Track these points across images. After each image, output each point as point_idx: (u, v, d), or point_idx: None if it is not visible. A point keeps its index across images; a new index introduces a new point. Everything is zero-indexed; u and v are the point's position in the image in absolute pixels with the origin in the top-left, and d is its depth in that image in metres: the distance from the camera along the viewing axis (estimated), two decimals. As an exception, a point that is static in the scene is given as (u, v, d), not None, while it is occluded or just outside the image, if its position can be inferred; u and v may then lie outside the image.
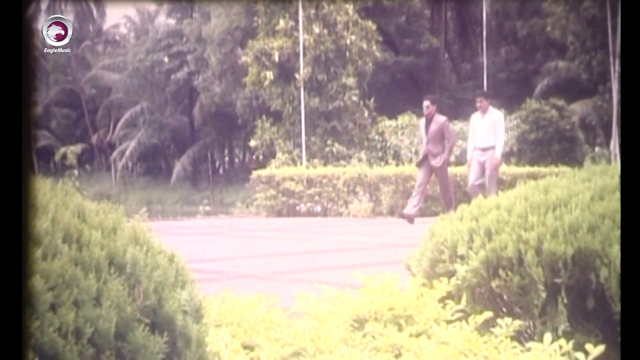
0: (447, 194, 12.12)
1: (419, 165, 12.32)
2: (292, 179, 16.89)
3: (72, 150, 14.34)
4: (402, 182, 15.89)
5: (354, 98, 24.51)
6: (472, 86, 42.87)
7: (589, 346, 2.49)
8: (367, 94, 25.99)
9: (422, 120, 12.15)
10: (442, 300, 3.00)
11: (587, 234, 2.75)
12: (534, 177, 12.62)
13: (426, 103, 11.90)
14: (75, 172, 13.75)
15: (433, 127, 11.69)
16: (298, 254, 7.99)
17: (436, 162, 11.71)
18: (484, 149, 11.42)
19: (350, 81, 24.49)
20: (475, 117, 11.80)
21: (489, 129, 11.40)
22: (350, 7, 25.39)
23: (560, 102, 23.46)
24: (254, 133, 27.33)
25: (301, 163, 21.90)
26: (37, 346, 1.64)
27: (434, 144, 11.71)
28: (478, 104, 11.63)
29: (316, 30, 24.15)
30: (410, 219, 11.72)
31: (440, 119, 11.88)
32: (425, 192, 12.59)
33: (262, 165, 22.10)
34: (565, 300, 2.72)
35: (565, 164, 18.79)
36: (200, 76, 42.26)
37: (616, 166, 3.33)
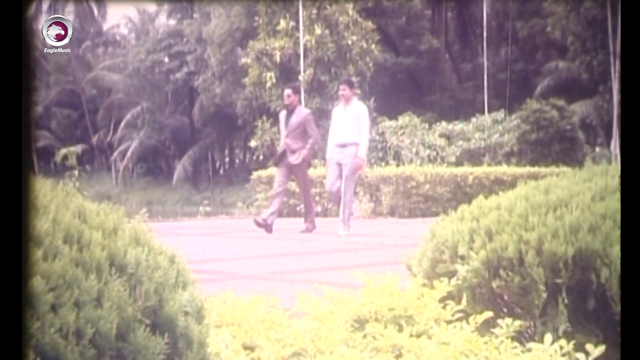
0: (307, 197, 10.88)
1: (276, 163, 10.80)
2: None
3: (72, 151, 14.32)
4: (402, 182, 15.90)
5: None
6: (472, 86, 42.97)
7: (589, 346, 2.49)
8: (367, 94, 25.97)
9: (283, 112, 10.75)
10: (442, 300, 3.00)
11: (587, 234, 2.75)
12: (534, 177, 12.63)
13: (287, 92, 10.56)
14: (76, 172, 13.71)
15: (294, 119, 10.37)
16: (298, 255, 7.99)
17: (294, 158, 10.34)
18: (343, 146, 10.06)
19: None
20: (337, 109, 10.43)
21: (351, 123, 10.02)
22: (350, 8, 25.38)
23: (561, 103, 23.49)
24: (254, 133, 27.35)
25: (301, 163, 21.83)
26: (38, 347, 1.64)
27: (293, 139, 10.36)
28: (341, 93, 10.30)
29: (318, 31, 24.12)
30: (267, 227, 10.16)
31: (303, 111, 10.73)
32: (284, 194, 11.26)
33: (263, 165, 22.09)
34: (565, 301, 2.72)
35: (565, 164, 18.81)
36: (200, 77, 42.31)
37: (617, 166, 3.32)
